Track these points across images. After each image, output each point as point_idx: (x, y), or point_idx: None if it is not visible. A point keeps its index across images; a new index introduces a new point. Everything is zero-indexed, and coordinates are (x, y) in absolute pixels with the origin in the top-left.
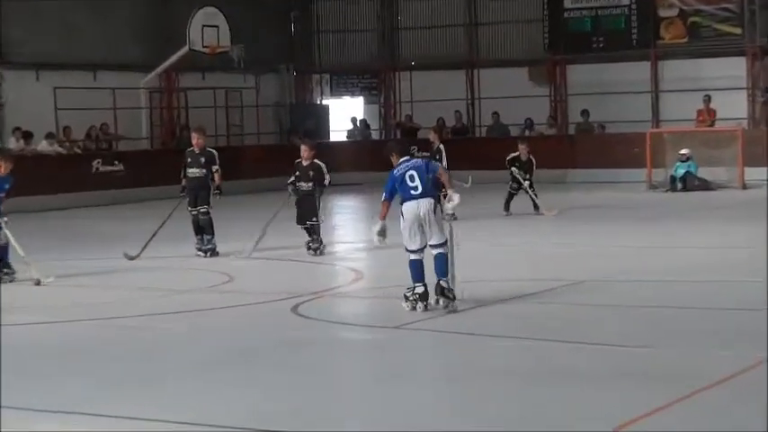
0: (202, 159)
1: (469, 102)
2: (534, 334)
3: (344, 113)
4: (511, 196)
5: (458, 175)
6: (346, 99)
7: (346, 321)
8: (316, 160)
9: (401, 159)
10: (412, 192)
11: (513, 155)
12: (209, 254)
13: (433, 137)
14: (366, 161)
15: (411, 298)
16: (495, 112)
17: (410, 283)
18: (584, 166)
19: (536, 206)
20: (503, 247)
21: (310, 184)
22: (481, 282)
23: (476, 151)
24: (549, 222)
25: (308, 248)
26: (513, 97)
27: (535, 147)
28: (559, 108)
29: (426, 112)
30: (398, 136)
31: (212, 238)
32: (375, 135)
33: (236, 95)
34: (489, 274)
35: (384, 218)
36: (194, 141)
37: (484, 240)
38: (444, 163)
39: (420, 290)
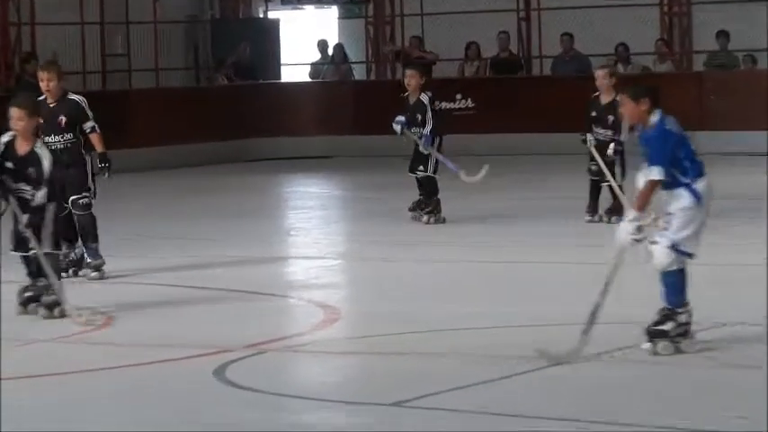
0: (61, 117)
1: (522, 15)
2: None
3: (306, 35)
4: (595, 187)
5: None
6: (308, 10)
7: (307, 394)
8: (423, 94)
9: (657, 111)
10: (701, 164)
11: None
12: (90, 271)
13: (410, 78)
14: (342, 118)
15: (674, 332)
16: (567, 34)
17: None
18: (721, 127)
19: (614, 210)
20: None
21: (420, 130)
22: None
23: (532, 101)
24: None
25: (415, 210)
26: (596, 7)
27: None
28: (678, 26)
29: (447, 34)
30: (398, 72)
31: (96, 246)
32: (359, 72)
33: (119, 3)
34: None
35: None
36: (44, 85)
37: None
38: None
39: (684, 318)
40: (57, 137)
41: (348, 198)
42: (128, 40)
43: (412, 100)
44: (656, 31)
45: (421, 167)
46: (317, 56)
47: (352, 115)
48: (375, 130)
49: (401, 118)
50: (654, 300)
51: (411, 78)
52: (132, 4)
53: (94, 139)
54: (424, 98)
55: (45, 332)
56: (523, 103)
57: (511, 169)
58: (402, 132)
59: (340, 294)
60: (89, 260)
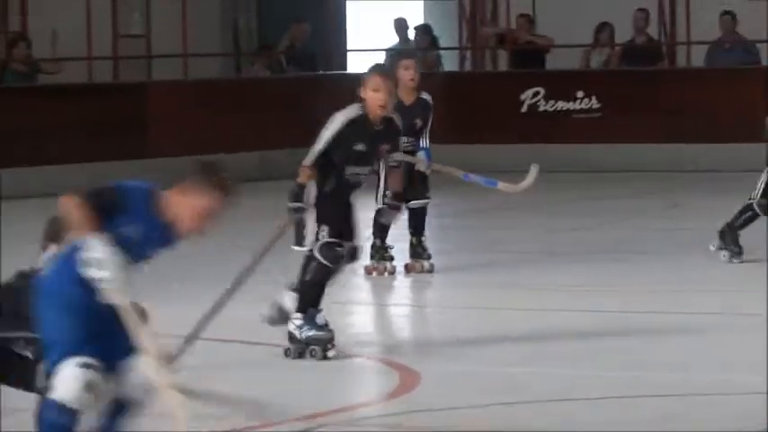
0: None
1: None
2: None
3: (381, 13)
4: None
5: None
6: None
7: None
8: (424, 92)
9: None
10: None
11: None
12: None
13: (412, 71)
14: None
15: None
16: (728, 13)
17: None
18: None
19: None
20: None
21: (411, 140)
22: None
23: (680, 97)
24: None
25: (414, 254)
26: None
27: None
28: None
29: (569, 14)
30: (502, 62)
31: None
32: (450, 60)
33: None
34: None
35: None
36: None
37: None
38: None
39: None
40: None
41: (436, 225)
42: (147, 17)
43: (409, 101)
44: None
45: (425, 194)
46: (394, 40)
47: (441, 116)
48: (471, 139)
49: None
50: None
51: (413, 71)
52: None
53: None
54: (428, 97)
55: None
56: (666, 104)
57: (645, 189)
58: None
59: (419, 351)
60: None
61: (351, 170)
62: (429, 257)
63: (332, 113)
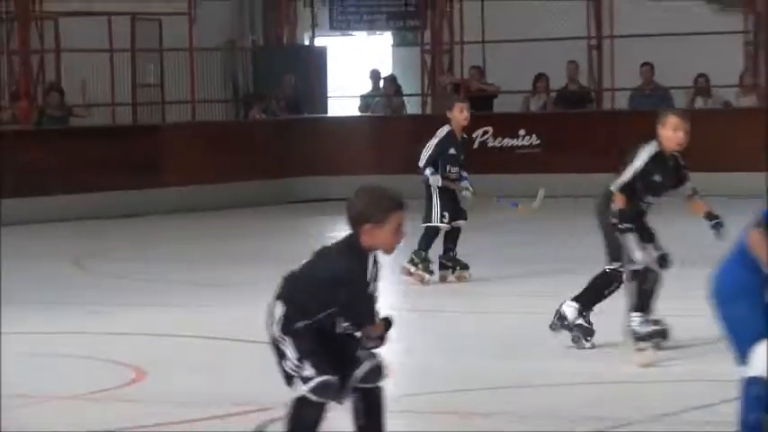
0: None
1: (594, 43)
2: None
3: (357, 64)
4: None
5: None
6: (359, 37)
7: None
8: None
9: None
10: None
11: None
12: None
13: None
14: (395, 155)
15: None
16: (648, 64)
17: None
18: None
19: None
20: None
21: (457, 170)
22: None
23: (606, 137)
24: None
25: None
26: (673, 35)
27: (712, 130)
28: (765, 57)
29: (513, 65)
30: (455, 106)
31: None
32: (413, 105)
33: (152, 29)
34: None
35: None
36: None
37: None
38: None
39: None
40: None
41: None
42: (161, 69)
43: (460, 137)
44: (740, 63)
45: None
46: (367, 87)
47: (404, 153)
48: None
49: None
50: None
51: (467, 113)
52: (166, 29)
53: None
54: (465, 135)
55: (75, 387)
56: (595, 141)
57: (580, 213)
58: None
59: (391, 347)
60: None
61: (648, 199)
62: (467, 266)
63: (314, 150)
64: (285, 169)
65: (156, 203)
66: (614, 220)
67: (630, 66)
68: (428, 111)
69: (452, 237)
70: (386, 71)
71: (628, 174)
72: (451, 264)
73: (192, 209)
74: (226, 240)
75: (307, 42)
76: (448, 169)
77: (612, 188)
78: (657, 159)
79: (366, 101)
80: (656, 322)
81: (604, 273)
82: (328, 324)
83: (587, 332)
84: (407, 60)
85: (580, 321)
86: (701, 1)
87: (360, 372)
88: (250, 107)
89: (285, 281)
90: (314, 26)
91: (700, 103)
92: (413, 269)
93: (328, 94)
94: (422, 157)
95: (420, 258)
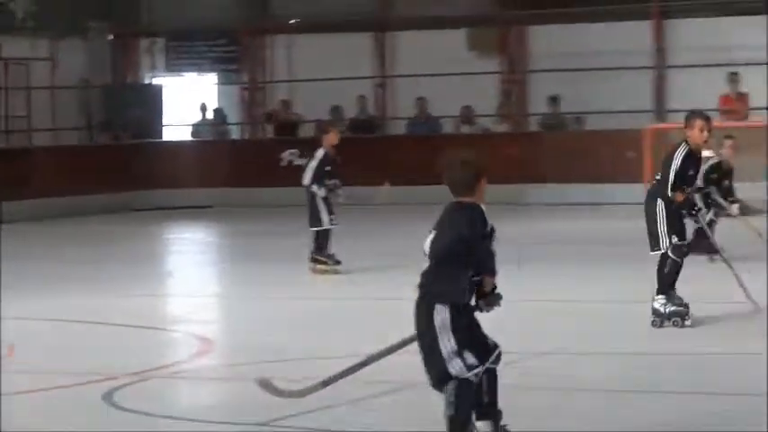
0: None
1: (379, 82)
2: None
3: (188, 99)
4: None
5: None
6: (190, 77)
7: (185, 416)
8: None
9: None
10: None
11: (714, 161)
12: None
13: (333, 136)
14: (220, 172)
15: None
16: (421, 98)
17: None
18: (550, 180)
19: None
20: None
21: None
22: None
23: (389, 156)
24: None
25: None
26: (445, 75)
27: (478, 150)
28: (515, 92)
29: (314, 98)
30: (269, 132)
31: None
32: (235, 132)
33: (20, 71)
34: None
35: None
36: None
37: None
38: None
39: None
40: None
41: (226, 244)
42: (29, 103)
43: (333, 156)
44: (497, 96)
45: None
46: (198, 117)
47: (228, 170)
48: (250, 183)
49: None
50: None
51: (339, 135)
52: (33, 70)
53: None
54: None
55: None
56: (380, 160)
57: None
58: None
59: (215, 328)
60: None
61: (687, 190)
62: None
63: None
64: (130, 184)
65: (27, 213)
66: (685, 212)
67: (408, 99)
68: (246, 135)
69: (328, 236)
70: (212, 104)
71: (670, 176)
72: (326, 259)
73: (57, 216)
74: (80, 244)
75: (147, 81)
76: (327, 182)
77: (669, 193)
78: (688, 157)
79: (196, 128)
80: (678, 304)
81: (663, 257)
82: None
83: (682, 314)
84: (229, 95)
85: (671, 308)
86: (465, 48)
87: (494, 354)
88: (101, 134)
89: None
90: (153, 69)
91: (465, 129)
92: (323, 267)
93: (164, 123)
94: (306, 175)
95: (325, 257)
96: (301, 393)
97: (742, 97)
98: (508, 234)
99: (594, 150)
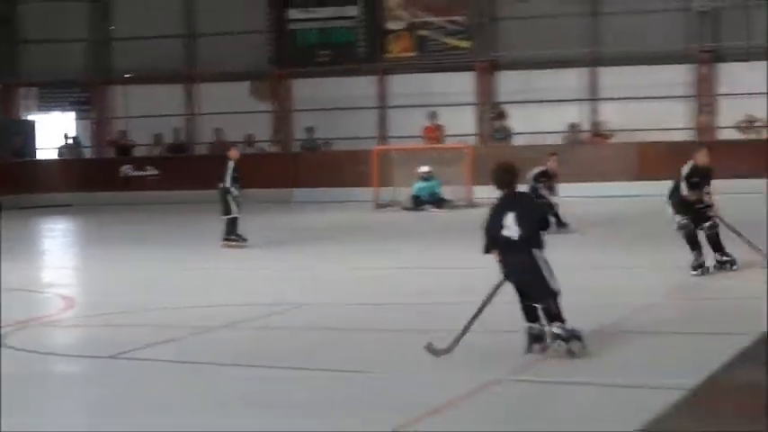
0: None
1: (189, 118)
2: (254, 361)
3: (55, 130)
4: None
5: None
6: (56, 114)
7: (56, 351)
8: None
9: None
10: None
11: (540, 169)
12: None
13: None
14: (76, 181)
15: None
16: (218, 128)
17: None
18: (309, 185)
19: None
20: (202, 271)
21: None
22: (185, 308)
23: (194, 170)
24: (265, 244)
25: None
26: (234, 113)
27: (257, 165)
28: (283, 124)
29: (143, 129)
30: (112, 154)
31: None
32: (88, 152)
33: None
34: (196, 299)
35: None
36: None
37: (207, 268)
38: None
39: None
40: None
41: (81, 232)
42: None
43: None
44: (271, 126)
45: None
46: (62, 142)
47: (83, 179)
48: (98, 188)
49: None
50: None
51: (238, 152)
52: None
53: None
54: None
55: None
56: (192, 172)
57: (180, 213)
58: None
59: (75, 290)
60: None
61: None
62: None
63: (31, 177)
64: (16, 188)
65: None
66: (699, 205)
67: (209, 129)
68: (95, 156)
69: (236, 222)
70: (72, 133)
71: (683, 181)
72: (236, 238)
73: None
74: None
75: (24, 117)
76: (237, 184)
77: (684, 193)
78: (695, 170)
79: (60, 150)
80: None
81: (712, 226)
82: None
83: (730, 263)
84: (84, 127)
85: (718, 260)
86: (248, 94)
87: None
88: None
89: None
90: (28, 108)
91: (249, 150)
92: (233, 244)
93: (37, 147)
94: (227, 179)
95: (237, 237)
96: (449, 349)
97: (439, 128)
98: (278, 223)
99: (339, 165)
